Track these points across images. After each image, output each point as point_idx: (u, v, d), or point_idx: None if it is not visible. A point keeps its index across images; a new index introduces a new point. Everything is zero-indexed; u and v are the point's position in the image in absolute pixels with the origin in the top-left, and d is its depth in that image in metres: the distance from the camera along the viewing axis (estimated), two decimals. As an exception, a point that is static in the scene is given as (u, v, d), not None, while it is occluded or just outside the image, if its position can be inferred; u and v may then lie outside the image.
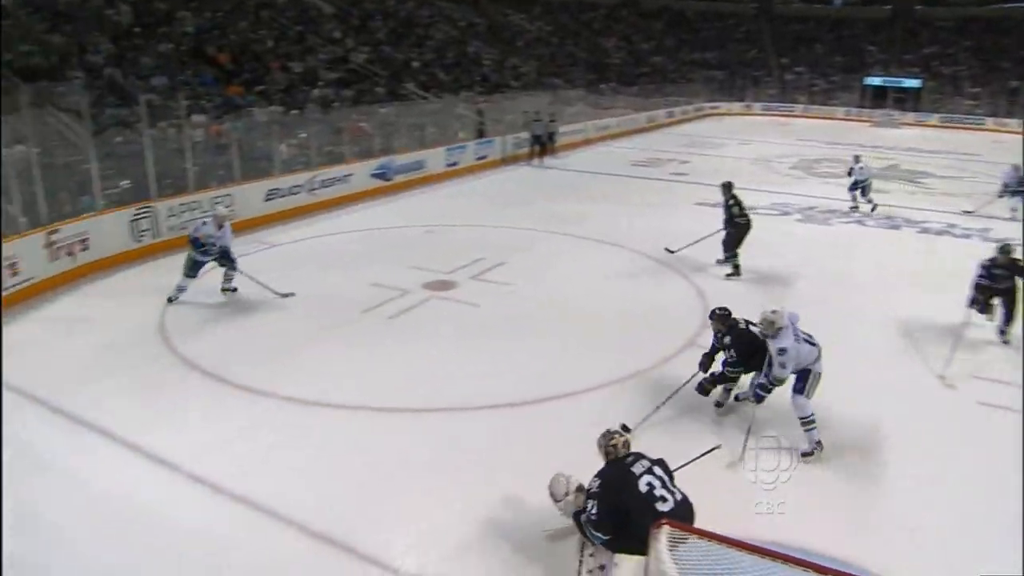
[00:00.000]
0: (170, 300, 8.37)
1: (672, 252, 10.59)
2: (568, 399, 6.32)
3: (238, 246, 10.75)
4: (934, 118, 36.13)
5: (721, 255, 10.08)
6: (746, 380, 6.04)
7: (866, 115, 37.54)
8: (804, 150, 24.68)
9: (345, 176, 14.30)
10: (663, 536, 2.84)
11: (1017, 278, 7.47)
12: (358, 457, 5.46)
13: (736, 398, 6.15)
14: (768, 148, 24.82)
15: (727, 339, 5.81)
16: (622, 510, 3.66)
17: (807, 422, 5.43)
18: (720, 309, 5.93)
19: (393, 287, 9.08)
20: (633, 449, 3.99)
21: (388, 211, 13.95)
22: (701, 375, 6.00)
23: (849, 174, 14.66)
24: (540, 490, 4.70)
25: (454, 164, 17.83)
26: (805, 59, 43.25)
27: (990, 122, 34.47)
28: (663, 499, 3.69)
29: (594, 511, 3.71)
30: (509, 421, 6.00)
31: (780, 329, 5.32)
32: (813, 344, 5.45)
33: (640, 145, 24.87)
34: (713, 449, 5.13)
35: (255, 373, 6.66)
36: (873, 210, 14.28)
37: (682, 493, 3.81)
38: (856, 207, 14.43)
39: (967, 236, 12.77)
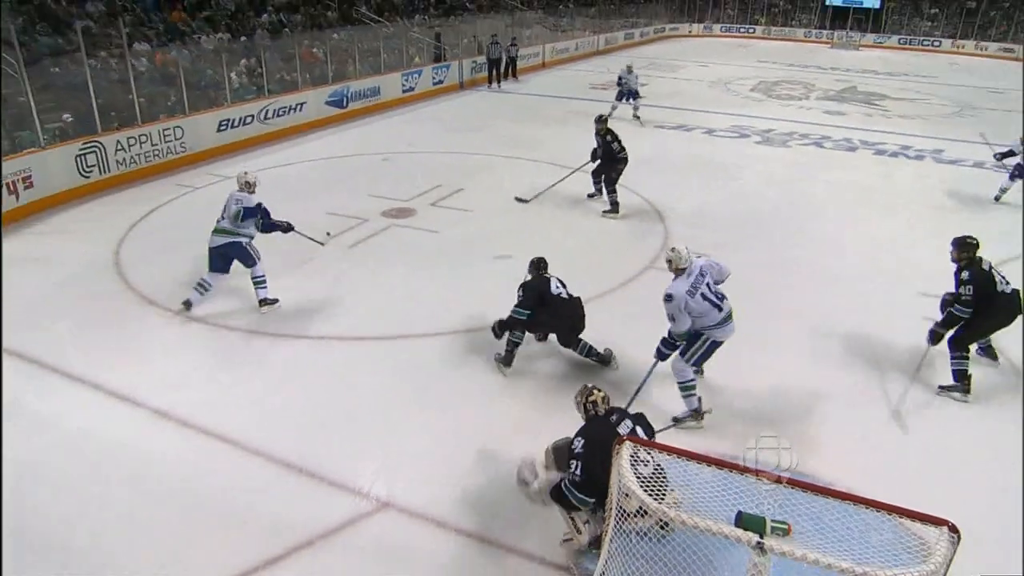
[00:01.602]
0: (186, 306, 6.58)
1: (525, 202, 9.77)
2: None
3: (192, 178, 10.64)
4: (893, 40, 36.24)
5: (593, 189, 9.73)
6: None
7: (826, 36, 37.42)
8: (763, 72, 24.66)
9: (299, 104, 13.90)
10: (625, 452, 2.88)
11: None
12: (323, 387, 5.47)
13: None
14: (727, 70, 24.76)
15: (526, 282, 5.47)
16: (608, 470, 3.30)
17: (685, 387, 4.91)
18: (538, 259, 5.58)
19: (352, 216, 9.02)
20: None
21: (344, 139, 13.65)
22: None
23: (619, 83, 15.43)
24: (506, 417, 4.79)
25: (410, 90, 17.43)
26: (765, -23, 42.40)
27: (947, 43, 34.76)
28: (644, 462, 3.33)
29: (578, 471, 3.44)
30: (473, 346, 6.02)
31: (680, 271, 4.71)
32: (719, 307, 4.72)
33: (599, 68, 24.48)
34: (705, 413, 4.93)
35: (215, 307, 6.59)
36: (637, 118, 15.12)
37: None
38: (611, 113, 13.90)
39: (920, 157, 13.06)
